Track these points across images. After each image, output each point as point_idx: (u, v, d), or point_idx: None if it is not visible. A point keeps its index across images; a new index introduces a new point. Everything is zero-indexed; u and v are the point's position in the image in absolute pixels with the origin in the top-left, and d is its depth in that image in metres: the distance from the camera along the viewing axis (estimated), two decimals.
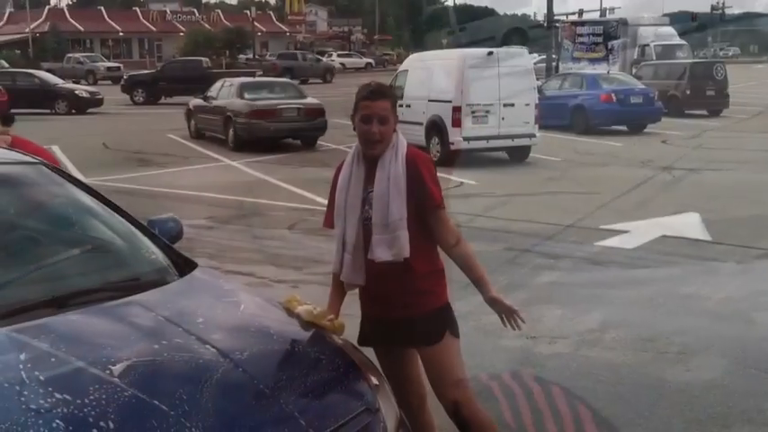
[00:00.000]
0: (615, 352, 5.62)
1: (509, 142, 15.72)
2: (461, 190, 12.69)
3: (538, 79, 23.25)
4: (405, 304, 3.35)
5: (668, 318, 6.34)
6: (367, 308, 3.48)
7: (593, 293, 7.06)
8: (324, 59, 57.67)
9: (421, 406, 3.61)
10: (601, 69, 28.16)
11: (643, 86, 22.17)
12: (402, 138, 3.38)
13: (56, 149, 17.92)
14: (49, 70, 49.57)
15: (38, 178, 3.72)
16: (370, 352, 3.72)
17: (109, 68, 53.06)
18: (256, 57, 61.70)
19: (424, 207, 3.33)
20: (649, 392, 4.92)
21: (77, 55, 57.25)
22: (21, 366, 2.44)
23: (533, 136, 15.79)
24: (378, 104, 3.28)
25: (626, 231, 9.49)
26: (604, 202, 11.52)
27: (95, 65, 54.42)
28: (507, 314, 3.39)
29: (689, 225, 9.84)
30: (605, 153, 17.08)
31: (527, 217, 10.53)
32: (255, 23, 63.90)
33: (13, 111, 27.14)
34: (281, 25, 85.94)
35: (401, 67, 18.27)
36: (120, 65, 55.94)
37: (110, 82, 47.41)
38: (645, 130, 21.21)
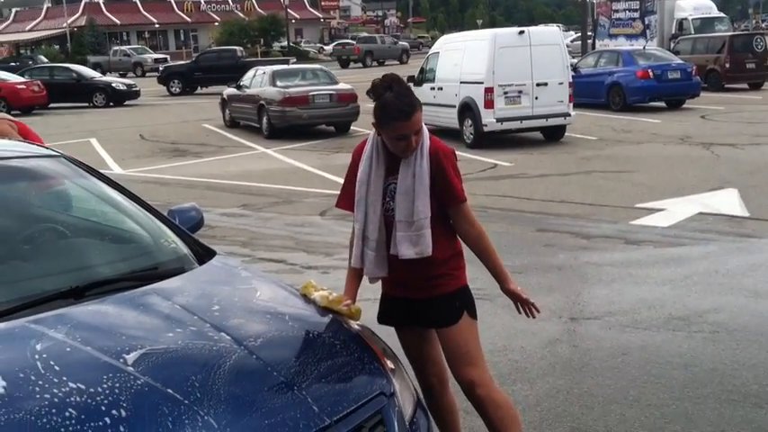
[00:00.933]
0: (648, 332, 5.54)
1: (543, 122, 15.54)
2: (495, 171, 12.60)
3: (574, 57, 23.03)
4: (424, 287, 3.36)
5: (703, 296, 6.24)
6: (387, 288, 3.49)
7: (626, 273, 6.97)
8: (400, 42, 57.88)
9: (442, 387, 3.60)
10: (638, 45, 27.74)
11: (681, 61, 21.77)
12: (425, 129, 3.32)
13: (94, 142, 18.21)
14: (95, 64, 50.26)
15: (58, 170, 3.75)
16: (391, 333, 3.72)
17: (156, 60, 53.24)
18: (291, 44, 61.83)
19: (448, 203, 3.32)
20: (682, 372, 4.85)
21: (124, 48, 57.74)
22: (36, 356, 2.46)
23: (568, 115, 15.60)
24: (415, 118, 3.18)
25: (662, 209, 9.35)
26: (640, 180, 11.36)
27: (142, 57, 54.75)
28: (523, 304, 3.41)
29: (727, 201, 9.67)
30: (642, 130, 16.82)
31: (561, 197, 10.42)
32: (289, 11, 63.90)
33: (51, 105, 27.71)
34: (314, 11, 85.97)
35: (432, 50, 18.15)
36: (168, 56, 56.27)
37: (157, 73, 47.66)
38: (683, 106, 20.85)
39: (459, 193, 3.31)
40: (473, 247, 3.39)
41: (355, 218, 3.37)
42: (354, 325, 3.14)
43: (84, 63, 47.27)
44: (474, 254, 3.41)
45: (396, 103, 3.16)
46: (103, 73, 48.36)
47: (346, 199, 3.45)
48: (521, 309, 3.42)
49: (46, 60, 46.48)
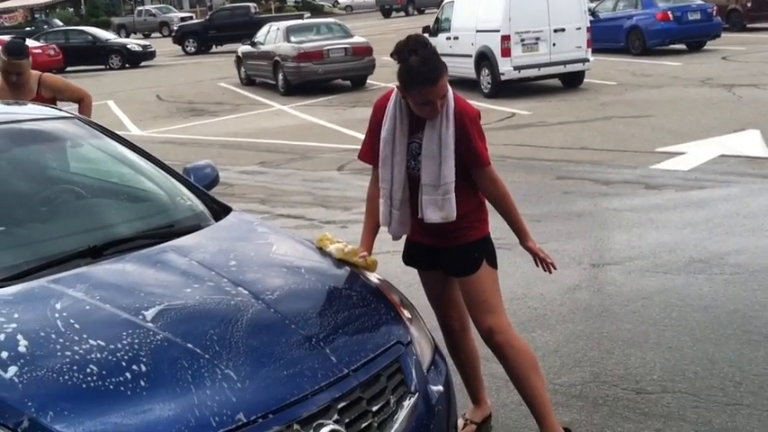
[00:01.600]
0: (668, 275, 5.52)
1: (561, 69, 15.35)
2: (513, 120, 12.50)
3: (592, 1, 22.63)
4: (448, 236, 3.37)
5: (724, 239, 6.19)
6: (411, 235, 3.49)
7: (647, 217, 6.93)
8: None
9: (463, 331, 3.64)
10: None
11: (701, 2, 21.29)
12: (450, 90, 3.25)
13: (111, 104, 18.23)
14: (120, 25, 49.63)
15: (73, 131, 3.77)
16: (408, 284, 3.73)
17: (182, 19, 51.72)
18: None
19: (472, 166, 3.30)
20: (702, 314, 4.83)
21: (149, 7, 55.52)
22: (57, 315, 2.50)
23: (586, 60, 15.38)
24: (439, 85, 3.11)
25: (682, 153, 9.26)
26: (661, 124, 11.24)
27: (168, 16, 52.27)
28: (541, 261, 3.42)
29: (749, 143, 9.55)
30: (663, 74, 16.58)
31: (581, 144, 10.35)
32: None
33: (68, 68, 27.74)
34: None
35: None
36: (193, 14, 54.78)
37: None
38: (704, 48, 20.50)
39: (484, 158, 3.29)
40: (496, 206, 3.39)
41: (381, 177, 3.33)
42: (371, 276, 3.16)
43: (107, 25, 46.82)
44: (495, 210, 3.42)
45: (422, 69, 3.07)
46: (128, 34, 47.85)
47: (368, 152, 3.44)
48: (539, 263, 3.43)
49: (61, 24, 46.19)
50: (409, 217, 3.36)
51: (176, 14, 52.99)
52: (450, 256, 3.41)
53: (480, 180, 3.34)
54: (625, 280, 5.52)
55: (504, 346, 3.40)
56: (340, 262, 3.13)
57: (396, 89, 3.29)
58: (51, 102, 5.27)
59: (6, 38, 27.85)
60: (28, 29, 44.45)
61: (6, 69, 5.23)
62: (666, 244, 6.16)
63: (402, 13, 50.79)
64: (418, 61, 3.08)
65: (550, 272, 3.44)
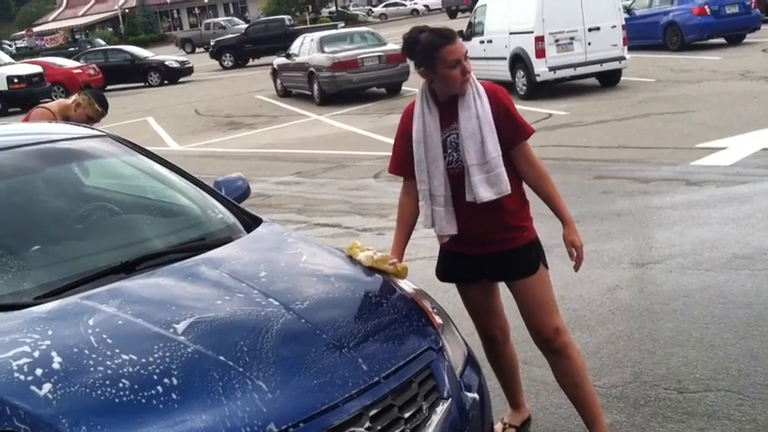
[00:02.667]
0: (710, 272, 5.42)
1: (597, 67, 15.18)
2: (550, 122, 12.39)
3: None
4: (499, 241, 3.32)
5: (766, 234, 6.06)
6: (450, 246, 3.42)
7: (687, 215, 6.81)
8: None
9: (504, 338, 3.63)
10: None
11: None
12: (473, 74, 3.28)
13: (150, 120, 18.49)
14: (185, 39, 49.38)
15: (106, 149, 3.82)
16: (440, 290, 3.71)
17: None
18: (339, 9, 61.57)
19: (517, 138, 3.27)
20: (745, 310, 4.74)
21: (218, 20, 54.76)
22: (90, 331, 2.53)
23: (623, 58, 15.20)
24: (458, 42, 3.17)
25: (723, 148, 9.10)
26: (701, 119, 11.06)
27: (237, 28, 50.70)
28: (577, 259, 3.37)
29: None
30: (702, 69, 16.33)
31: (619, 143, 10.22)
32: None
33: (108, 87, 28.17)
34: None
35: (479, 2, 17.85)
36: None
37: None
38: (744, 41, 20.14)
39: (527, 127, 3.30)
40: (537, 188, 3.34)
41: (418, 178, 3.30)
42: (402, 283, 3.14)
43: (161, 40, 45.76)
44: (538, 197, 3.37)
45: (435, 34, 3.16)
46: (193, 49, 47.36)
47: (396, 163, 3.43)
48: (572, 258, 3.39)
49: (104, 43, 46.68)
50: (455, 215, 3.30)
51: (242, 26, 52.07)
52: (504, 261, 3.35)
53: (520, 159, 3.30)
54: (666, 278, 5.43)
55: (569, 347, 3.40)
56: (370, 269, 3.12)
57: (420, 90, 3.29)
58: None
59: (53, 60, 28.08)
60: (71, 49, 45.15)
61: (93, 118, 5.55)
62: (708, 240, 6.05)
63: (468, 14, 50.92)
64: (428, 33, 3.17)
65: (576, 270, 3.41)
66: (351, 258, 3.20)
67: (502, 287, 3.54)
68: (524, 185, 3.39)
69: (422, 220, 3.36)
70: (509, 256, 3.33)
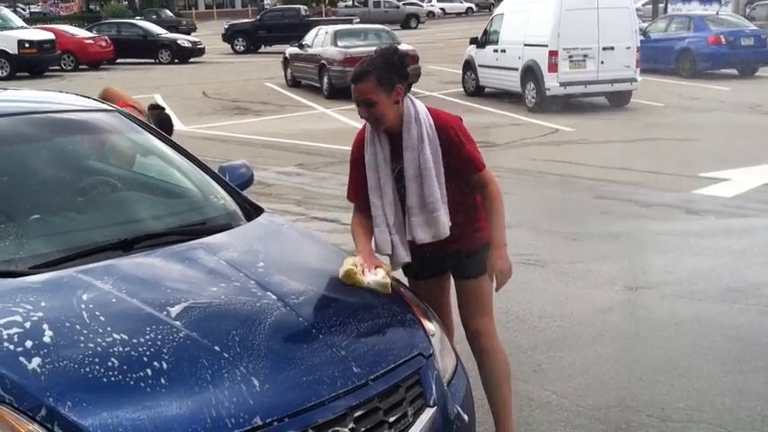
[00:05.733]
0: (703, 303, 5.42)
1: (608, 87, 15.20)
2: (556, 137, 12.40)
3: (644, 21, 22.41)
4: (462, 240, 3.35)
5: (762, 269, 6.07)
6: (414, 248, 3.37)
7: (685, 243, 6.82)
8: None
9: (448, 335, 3.57)
10: (711, 10, 26.85)
11: (755, 27, 21.03)
12: (418, 104, 3.25)
13: (158, 97, 18.42)
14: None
15: (114, 124, 3.81)
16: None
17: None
18: (355, 3, 61.35)
19: (469, 174, 3.28)
20: (735, 344, 4.74)
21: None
22: (83, 306, 2.53)
23: (634, 80, 15.22)
24: (359, 88, 3.16)
25: (726, 179, 9.11)
26: (706, 149, 11.08)
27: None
28: (498, 283, 3.34)
29: None
30: (711, 98, 16.35)
31: (622, 164, 10.22)
32: None
33: (118, 60, 28.09)
34: None
35: (496, 11, 17.84)
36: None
37: None
38: (756, 74, 20.19)
39: (478, 162, 3.27)
40: (488, 205, 3.31)
41: (373, 204, 3.28)
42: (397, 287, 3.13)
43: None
44: (487, 211, 3.34)
45: (361, 63, 3.20)
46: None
47: (355, 190, 3.40)
48: (493, 280, 3.35)
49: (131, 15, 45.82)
50: (408, 245, 3.31)
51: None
52: (462, 258, 3.39)
53: (477, 184, 3.30)
54: (658, 305, 5.44)
55: (484, 349, 3.44)
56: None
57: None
58: None
59: (65, 29, 27.76)
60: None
61: None
62: (703, 271, 6.06)
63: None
64: (367, 59, 3.20)
65: (497, 290, 3.40)
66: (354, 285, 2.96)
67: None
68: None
69: (376, 246, 3.30)
70: (461, 256, 3.38)
